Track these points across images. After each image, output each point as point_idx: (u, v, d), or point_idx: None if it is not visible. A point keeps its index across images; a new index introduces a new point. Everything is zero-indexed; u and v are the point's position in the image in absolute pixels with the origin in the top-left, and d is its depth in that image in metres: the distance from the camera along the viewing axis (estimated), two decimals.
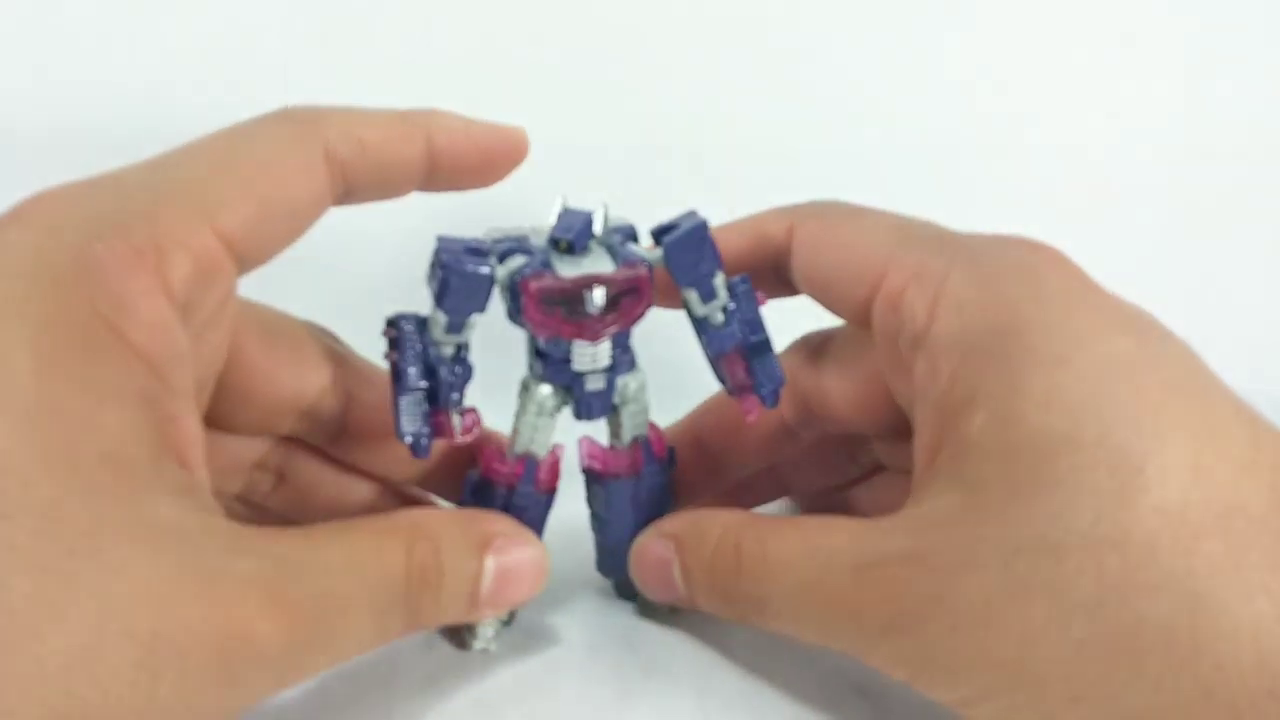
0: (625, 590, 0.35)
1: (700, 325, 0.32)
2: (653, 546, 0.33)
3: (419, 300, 0.30)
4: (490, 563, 0.29)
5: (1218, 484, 0.23)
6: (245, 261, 0.27)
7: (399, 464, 0.33)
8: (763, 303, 0.32)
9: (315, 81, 0.53)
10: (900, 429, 0.31)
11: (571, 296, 0.29)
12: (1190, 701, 0.22)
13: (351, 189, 0.29)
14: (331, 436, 0.32)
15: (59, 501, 0.21)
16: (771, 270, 0.33)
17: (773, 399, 0.32)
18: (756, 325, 0.32)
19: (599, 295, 0.29)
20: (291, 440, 0.33)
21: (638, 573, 0.33)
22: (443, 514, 0.31)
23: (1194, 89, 0.57)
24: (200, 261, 0.25)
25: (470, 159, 0.31)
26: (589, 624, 0.34)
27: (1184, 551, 0.23)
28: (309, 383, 0.31)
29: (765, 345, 0.32)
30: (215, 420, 0.30)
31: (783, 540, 0.29)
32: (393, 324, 0.30)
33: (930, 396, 0.28)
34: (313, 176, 0.28)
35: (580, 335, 0.30)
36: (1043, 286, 0.28)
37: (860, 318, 0.31)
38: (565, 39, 0.52)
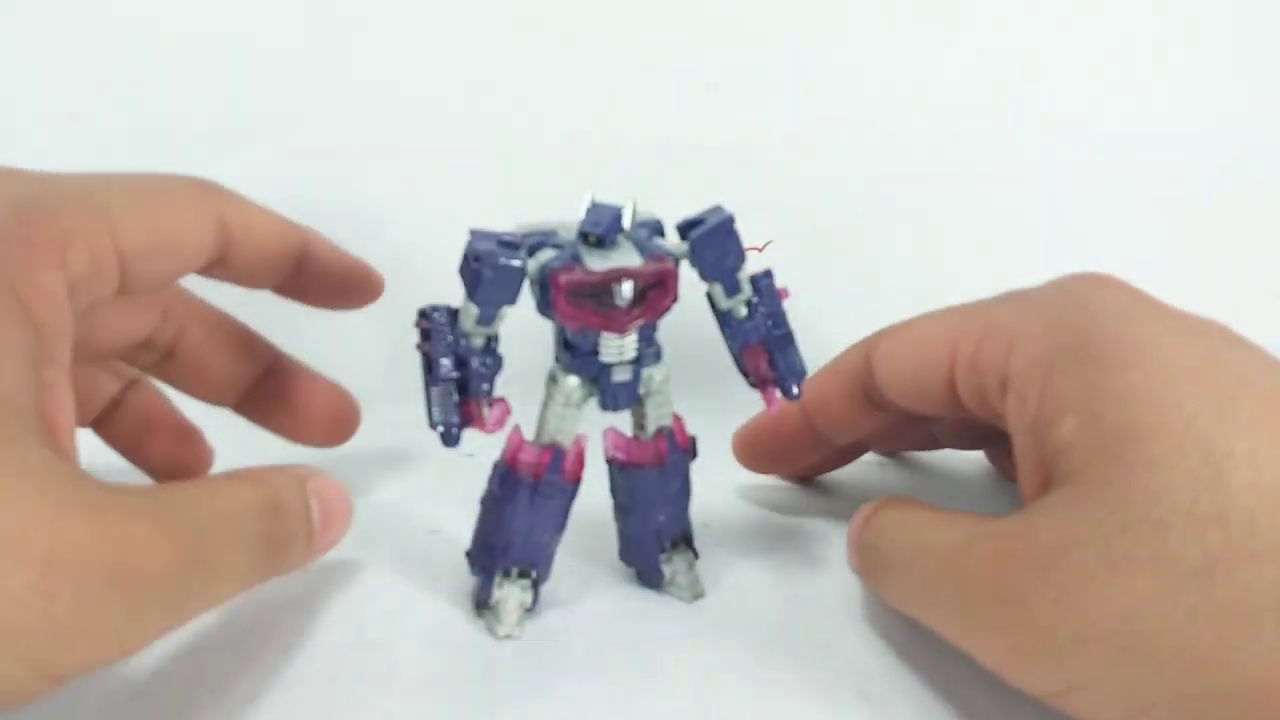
0: (648, 579, 0.36)
1: (724, 319, 0.33)
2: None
3: (449, 292, 0.31)
4: (314, 502, 0.31)
5: None
6: (125, 281, 0.31)
7: (222, 391, 0.40)
8: (785, 297, 0.33)
9: (338, 79, 0.53)
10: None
11: (600, 289, 0.30)
12: None
13: (225, 260, 0.34)
14: (156, 364, 0.38)
15: None
16: (863, 404, 0.38)
17: (795, 394, 0.33)
18: (780, 319, 0.33)
19: (627, 288, 0.30)
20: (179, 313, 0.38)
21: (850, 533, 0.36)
22: (268, 466, 0.32)
23: (1198, 88, 0.58)
24: (95, 262, 0.29)
25: (331, 280, 0.38)
26: (597, 621, 0.34)
27: None
28: (145, 320, 0.37)
29: (788, 339, 0.33)
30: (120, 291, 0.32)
31: (914, 513, 0.32)
32: (424, 315, 0.30)
33: (1024, 426, 0.30)
34: (202, 232, 0.33)
35: (608, 327, 0.30)
36: (1100, 307, 0.30)
37: (951, 403, 0.34)
38: (589, 36, 0.53)
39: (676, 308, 0.32)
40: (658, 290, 0.30)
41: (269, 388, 0.41)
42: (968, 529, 0.29)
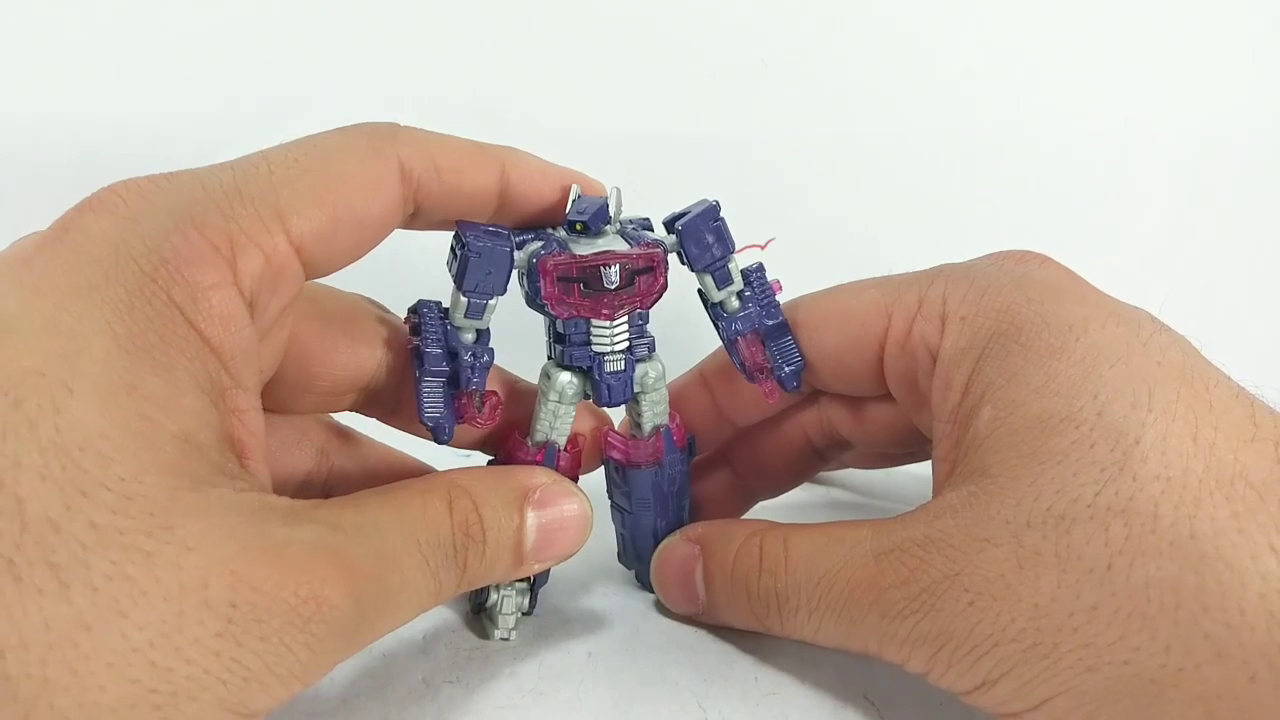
0: (645, 580, 0.36)
1: (716, 311, 0.33)
2: (677, 548, 0.33)
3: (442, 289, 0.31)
4: (531, 517, 0.29)
5: (1217, 454, 0.24)
6: (312, 268, 0.27)
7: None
8: (778, 290, 0.33)
9: (323, 80, 0.53)
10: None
11: (588, 273, 0.30)
12: (1203, 662, 0.22)
13: (422, 211, 0.30)
14: (389, 409, 0.33)
15: (136, 480, 0.21)
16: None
17: (794, 380, 0.33)
18: (772, 309, 0.33)
19: (614, 271, 0.30)
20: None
21: (660, 579, 0.34)
22: (479, 470, 0.31)
23: (1203, 86, 0.58)
24: (271, 262, 0.26)
25: (543, 199, 0.31)
26: (595, 625, 0.34)
27: (1187, 516, 0.23)
28: (365, 359, 0.31)
29: (782, 328, 0.33)
30: (276, 404, 0.30)
31: (804, 536, 0.30)
32: (414, 310, 0.30)
33: (945, 410, 0.29)
34: (386, 193, 0.28)
35: (597, 313, 0.30)
36: (1034, 289, 0.29)
37: (874, 383, 0.33)
38: (586, 31, 0.53)
39: (675, 307, 0.32)
40: (647, 276, 0.30)
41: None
42: (871, 544, 0.28)
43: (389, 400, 0.32)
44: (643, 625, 0.34)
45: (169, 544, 0.21)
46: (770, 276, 0.33)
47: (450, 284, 0.30)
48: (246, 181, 0.26)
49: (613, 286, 0.30)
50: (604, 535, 0.36)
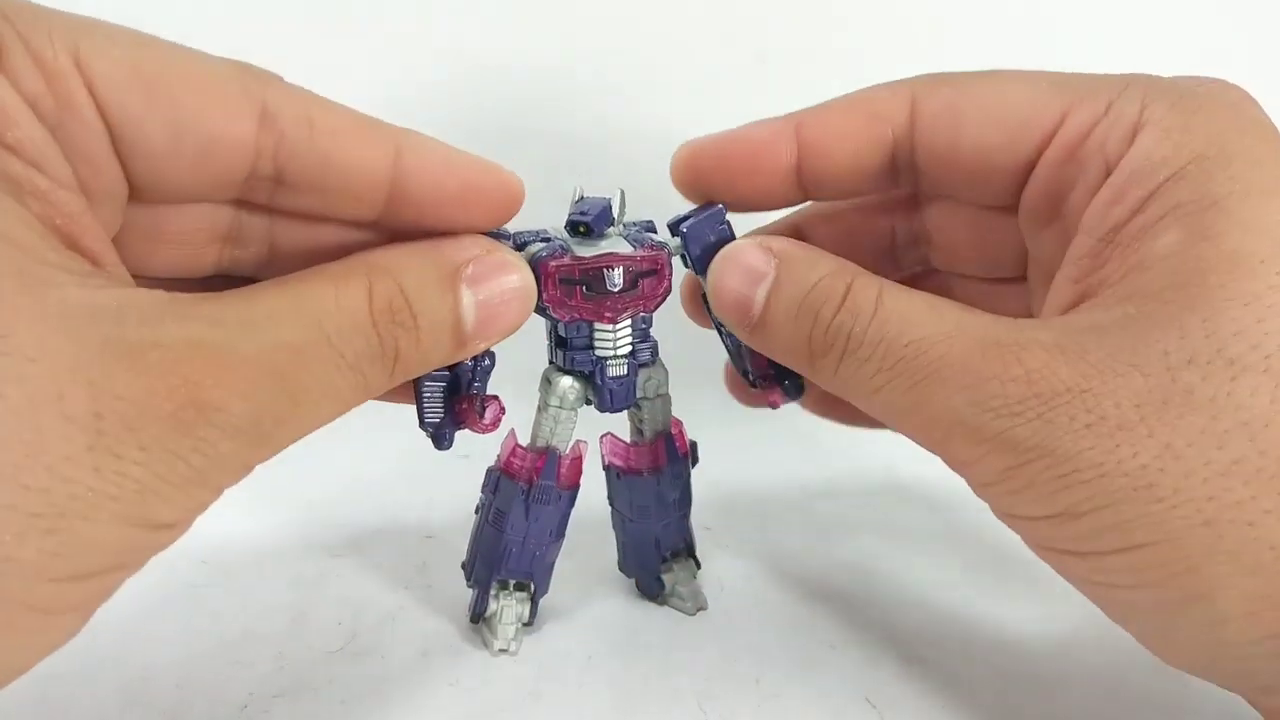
0: (648, 590, 0.35)
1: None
2: (752, 253, 0.29)
3: None
4: (467, 294, 0.26)
5: None
6: (127, 154, 0.23)
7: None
8: None
9: (321, 80, 0.53)
10: (1017, 275, 0.30)
11: (591, 276, 0.29)
12: None
13: (287, 177, 0.25)
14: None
15: None
16: (883, 161, 0.30)
17: (796, 390, 0.33)
18: None
19: (618, 274, 0.29)
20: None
21: (721, 277, 0.29)
22: (403, 247, 0.27)
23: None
24: (55, 85, 0.22)
25: (446, 194, 0.27)
26: (596, 631, 0.34)
27: None
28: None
29: None
30: (136, 187, 0.25)
31: (902, 293, 0.27)
32: None
33: (1102, 228, 0.26)
34: (232, 112, 0.24)
35: (599, 316, 0.30)
36: (1246, 120, 0.26)
37: (1012, 189, 0.29)
38: (585, 31, 0.53)
39: (677, 311, 0.32)
40: (651, 279, 0.30)
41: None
42: (983, 329, 0.25)
43: (260, 242, 0.27)
44: (643, 627, 0.34)
45: (5, 355, 0.19)
46: None
47: None
48: (46, 10, 0.23)
49: (616, 289, 0.30)
50: (605, 542, 0.36)
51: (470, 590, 0.33)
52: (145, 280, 0.26)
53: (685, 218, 0.31)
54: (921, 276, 0.34)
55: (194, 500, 0.22)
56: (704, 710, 0.30)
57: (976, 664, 0.32)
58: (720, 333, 0.33)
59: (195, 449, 0.21)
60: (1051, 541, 0.24)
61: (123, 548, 0.21)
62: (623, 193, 0.30)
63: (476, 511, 0.33)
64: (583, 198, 0.30)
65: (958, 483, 0.26)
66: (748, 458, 0.47)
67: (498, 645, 0.32)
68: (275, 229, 0.28)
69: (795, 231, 0.34)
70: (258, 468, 0.23)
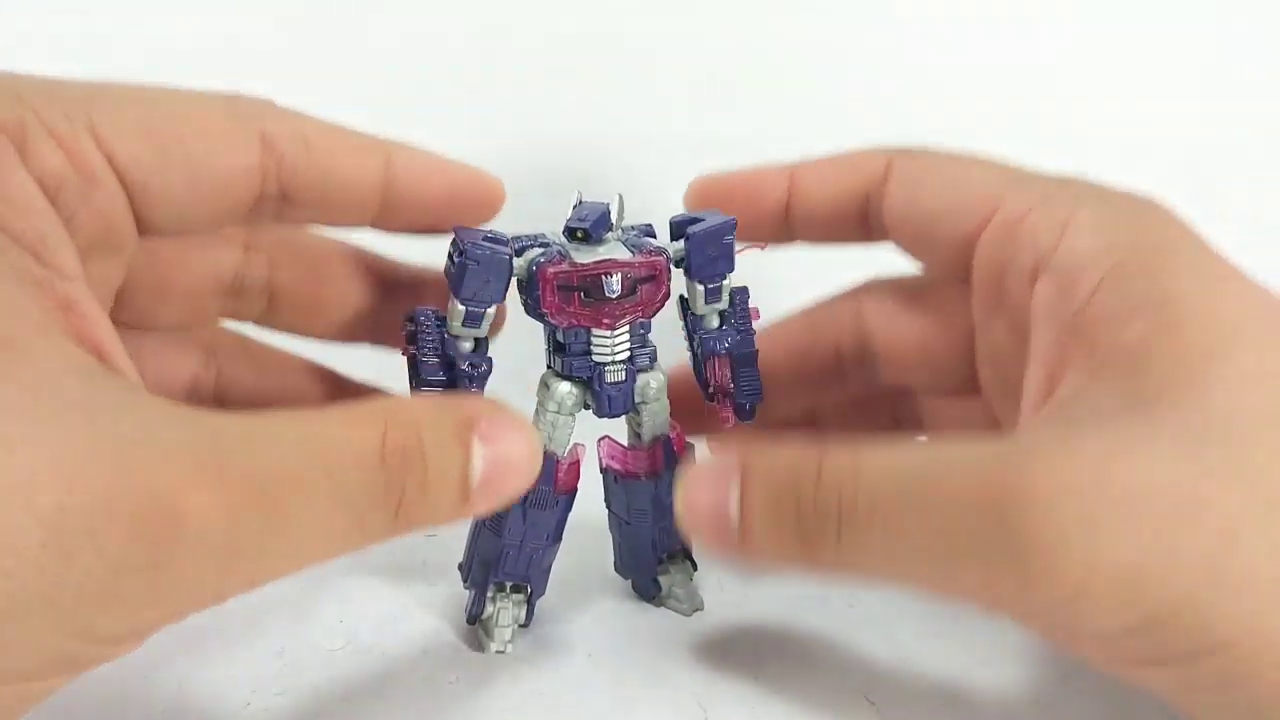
0: (644, 592, 0.35)
1: (695, 324, 0.33)
2: (709, 467, 0.28)
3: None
4: (478, 448, 0.25)
5: None
6: (143, 205, 0.25)
7: (340, 325, 0.31)
8: (755, 318, 0.33)
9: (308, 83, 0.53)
10: (961, 384, 0.31)
11: (589, 283, 0.29)
12: None
13: (291, 194, 0.28)
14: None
15: None
16: (857, 211, 0.33)
17: (750, 413, 0.33)
18: (749, 336, 0.33)
19: (616, 280, 0.29)
20: (267, 251, 0.31)
21: (689, 504, 0.28)
22: (419, 399, 0.28)
23: (1210, 80, 0.58)
24: (76, 162, 0.24)
25: (434, 196, 0.29)
26: (594, 631, 0.34)
27: None
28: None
29: (753, 357, 0.33)
30: (132, 318, 0.28)
31: (877, 450, 0.25)
32: (410, 318, 0.30)
33: (1058, 316, 0.27)
34: (235, 147, 0.26)
35: (598, 322, 0.30)
36: (1173, 220, 0.28)
37: (956, 259, 0.30)
38: (583, 33, 0.53)
39: (671, 315, 0.32)
40: (649, 285, 0.30)
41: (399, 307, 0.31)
42: (977, 450, 0.24)
43: (260, 299, 0.30)
44: (642, 627, 0.34)
45: None
46: (751, 302, 0.33)
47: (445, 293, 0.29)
48: (59, 83, 0.24)
49: (614, 295, 0.30)
50: (604, 542, 0.36)
51: (468, 591, 0.33)
52: (153, 337, 0.29)
53: (693, 220, 0.31)
54: (871, 400, 0.36)
55: (141, 620, 0.21)
56: (704, 709, 0.30)
57: (976, 663, 0.32)
58: (690, 342, 0.33)
59: (154, 564, 0.20)
60: (1127, 656, 0.24)
61: (52, 657, 0.20)
62: (621, 197, 0.30)
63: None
64: (581, 202, 0.30)
65: None
66: None
67: (494, 647, 0.32)
68: (274, 276, 0.30)
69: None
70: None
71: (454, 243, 0.29)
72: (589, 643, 0.33)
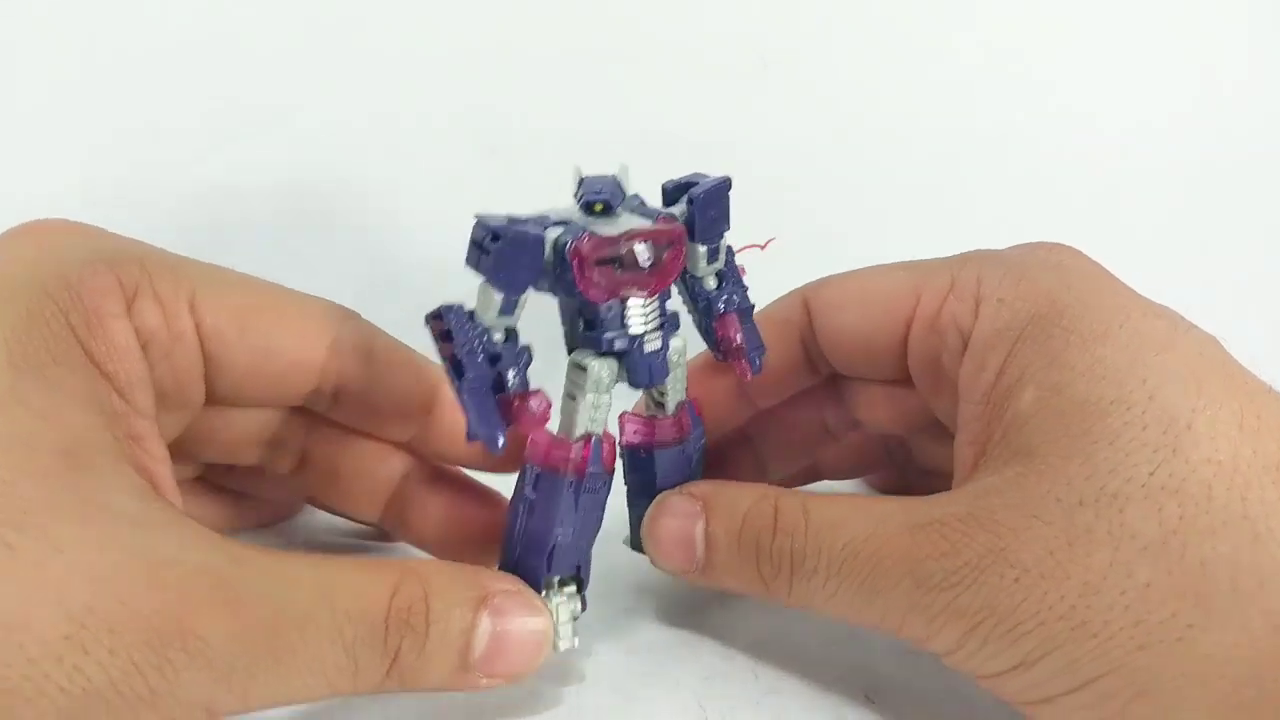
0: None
1: (696, 285, 0.32)
2: (678, 504, 0.31)
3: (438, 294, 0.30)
4: (486, 621, 0.26)
5: (1262, 440, 0.25)
6: (214, 371, 0.29)
7: (394, 422, 0.33)
8: (744, 274, 0.33)
9: (320, 83, 0.54)
10: (942, 431, 0.32)
11: (621, 255, 0.29)
12: (1259, 637, 0.23)
13: (342, 397, 0.31)
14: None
15: (11, 482, 0.22)
16: (798, 355, 0.34)
17: (759, 364, 0.33)
18: (744, 292, 0.33)
19: (646, 249, 0.29)
20: (310, 416, 0.33)
21: (654, 533, 0.32)
22: (439, 562, 0.31)
23: (1207, 83, 0.58)
24: (170, 324, 0.28)
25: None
26: (594, 631, 0.33)
27: (1239, 498, 0.24)
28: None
29: (750, 312, 0.33)
30: (218, 395, 0.30)
31: (825, 502, 0.29)
32: (438, 315, 0.28)
33: (976, 393, 0.29)
34: (306, 343, 0.30)
35: (633, 293, 0.29)
36: (1072, 276, 0.29)
37: (895, 365, 0.32)
38: (578, 34, 0.53)
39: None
40: (671, 250, 0.29)
41: (417, 501, 0.34)
42: (903, 517, 0.27)
43: (345, 399, 0.31)
44: (642, 625, 0.34)
45: (37, 541, 0.21)
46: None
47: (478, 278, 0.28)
48: (178, 259, 0.29)
49: (648, 264, 0.29)
50: (603, 540, 0.35)
51: None
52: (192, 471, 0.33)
53: (688, 184, 0.31)
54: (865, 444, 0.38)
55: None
56: (704, 708, 0.30)
57: None
58: (695, 301, 0.33)
59: (158, 668, 0.21)
60: (1022, 694, 0.26)
61: None
62: (626, 168, 0.30)
63: (512, 516, 0.30)
64: (585, 178, 0.30)
65: None
66: None
67: (562, 645, 0.30)
68: (309, 445, 0.33)
69: (747, 436, 0.37)
70: None
71: (480, 229, 0.28)
72: (590, 641, 0.33)
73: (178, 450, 0.30)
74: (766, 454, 0.37)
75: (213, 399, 0.30)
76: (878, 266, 0.34)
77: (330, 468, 0.34)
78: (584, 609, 0.31)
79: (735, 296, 0.33)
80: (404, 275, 0.50)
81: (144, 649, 0.21)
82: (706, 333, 0.33)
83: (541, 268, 0.28)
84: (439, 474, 0.34)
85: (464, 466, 0.34)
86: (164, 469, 0.27)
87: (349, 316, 0.31)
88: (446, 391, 0.31)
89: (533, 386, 0.29)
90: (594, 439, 0.30)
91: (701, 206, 0.31)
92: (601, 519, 0.31)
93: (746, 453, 0.37)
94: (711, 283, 0.32)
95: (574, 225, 0.29)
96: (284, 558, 0.25)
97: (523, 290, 0.28)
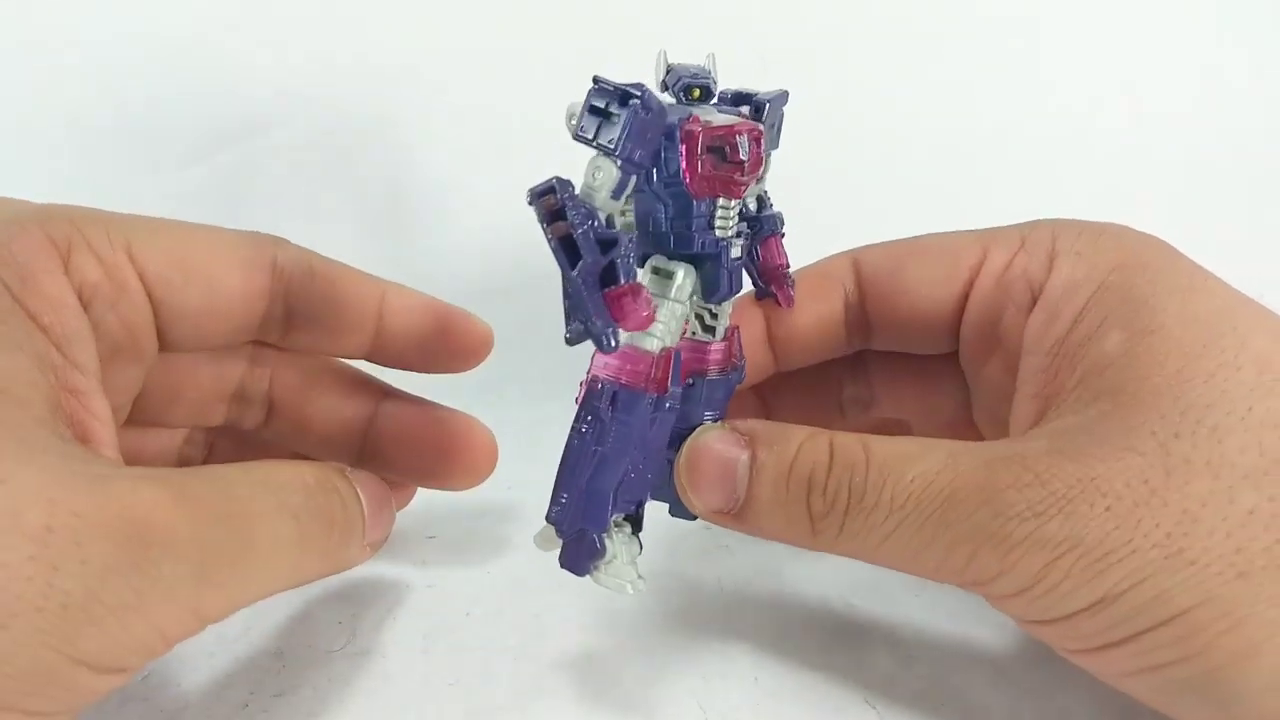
0: (683, 510, 0.31)
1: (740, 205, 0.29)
2: (722, 437, 0.29)
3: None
4: (360, 490, 0.29)
5: None
6: (165, 319, 0.29)
7: (326, 445, 0.35)
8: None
9: (319, 79, 0.53)
10: (956, 420, 0.33)
11: (728, 142, 0.26)
12: None
13: (296, 314, 0.32)
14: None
15: None
16: (837, 316, 0.34)
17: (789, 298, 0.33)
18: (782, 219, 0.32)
19: (748, 141, 0.26)
20: (271, 364, 0.34)
21: (693, 468, 0.29)
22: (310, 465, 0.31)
23: (1210, 80, 0.58)
24: (111, 276, 0.28)
25: (423, 330, 0.33)
26: (593, 630, 0.34)
27: None
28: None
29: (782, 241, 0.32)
30: (145, 418, 0.31)
31: (888, 440, 0.27)
32: (550, 190, 0.24)
33: (1045, 344, 0.29)
34: (250, 271, 0.31)
35: (729, 190, 0.27)
36: (1148, 239, 0.30)
37: (944, 328, 0.32)
38: (579, 33, 0.53)
39: None
40: (758, 147, 0.27)
41: (388, 430, 0.35)
42: (979, 453, 0.26)
43: (259, 411, 0.34)
44: (643, 626, 0.34)
45: None
46: None
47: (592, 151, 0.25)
48: (107, 214, 0.29)
49: (745, 159, 0.26)
50: None
51: (545, 550, 0.29)
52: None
53: (748, 95, 0.29)
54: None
55: (128, 633, 0.22)
56: (704, 710, 0.30)
57: (976, 664, 0.32)
58: (748, 226, 0.31)
59: (136, 565, 0.22)
60: (1092, 637, 0.25)
61: (36, 670, 0.21)
62: (712, 56, 0.28)
63: (574, 448, 0.27)
64: (672, 65, 0.27)
65: None
66: None
67: (631, 588, 0.28)
68: (273, 389, 0.34)
69: (758, 397, 0.37)
70: None
71: (599, 92, 0.25)
72: (591, 642, 0.33)
73: (146, 415, 0.32)
74: (777, 419, 0.33)
75: (168, 345, 0.30)
76: (937, 233, 0.33)
77: (298, 417, 0.35)
78: (641, 551, 0.29)
79: (779, 218, 0.31)
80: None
81: (116, 552, 0.21)
82: (753, 257, 0.32)
83: (659, 145, 0.26)
84: (404, 403, 0.36)
85: (423, 371, 0.35)
86: (105, 429, 0.26)
87: (281, 242, 0.32)
88: (394, 298, 0.33)
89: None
90: (675, 354, 0.27)
91: (769, 114, 0.29)
92: (665, 452, 0.29)
93: (758, 415, 0.35)
94: (753, 204, 0.31)
95: (678, 107, 0.27)
96: (217, 467, 0.26)
97: (642, 169, 0.25)
